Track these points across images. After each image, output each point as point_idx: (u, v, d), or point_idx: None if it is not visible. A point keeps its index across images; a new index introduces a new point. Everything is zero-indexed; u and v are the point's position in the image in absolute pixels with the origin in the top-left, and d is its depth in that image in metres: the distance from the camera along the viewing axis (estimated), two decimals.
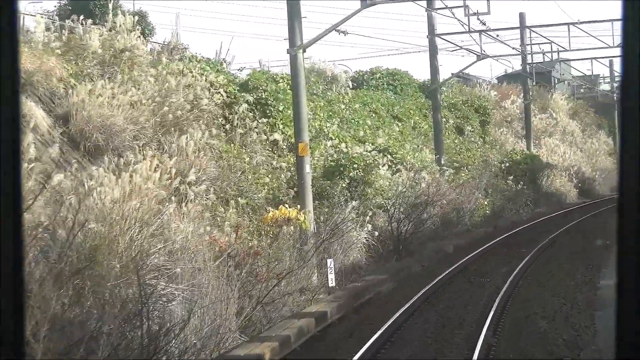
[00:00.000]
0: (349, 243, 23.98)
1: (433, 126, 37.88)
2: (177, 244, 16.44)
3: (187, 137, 21.20)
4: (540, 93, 65.60)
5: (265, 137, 26.76)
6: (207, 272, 16.05)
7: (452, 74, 46.92)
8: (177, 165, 19.88)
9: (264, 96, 27.63)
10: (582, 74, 55.69)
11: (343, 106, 37.46)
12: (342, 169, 26.24)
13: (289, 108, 29.22)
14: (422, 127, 43.08)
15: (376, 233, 25.40)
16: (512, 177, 43.99)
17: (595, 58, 51.57)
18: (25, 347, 3.01)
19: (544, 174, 47.24)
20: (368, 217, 25.41)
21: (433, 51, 36.55)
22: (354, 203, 25.26)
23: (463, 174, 37.79)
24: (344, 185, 25.96)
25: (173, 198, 17.82)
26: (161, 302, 14.64)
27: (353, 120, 36.46)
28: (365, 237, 25.08)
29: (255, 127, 26.63)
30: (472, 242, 30.03)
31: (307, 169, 22.64)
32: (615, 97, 69.83)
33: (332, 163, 26.59)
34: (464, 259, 24.86)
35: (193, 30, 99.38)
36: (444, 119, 46.70)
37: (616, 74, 66.62)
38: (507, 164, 45.40)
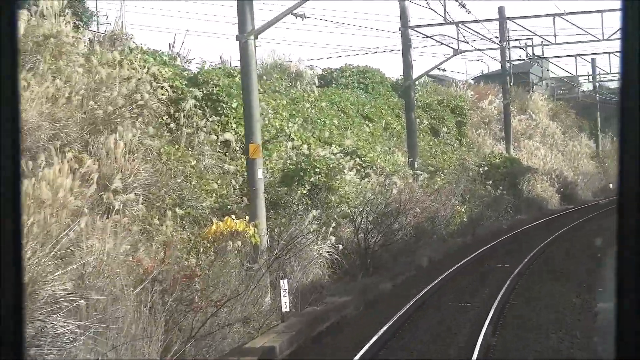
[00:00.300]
0: (308, 258, 21.09)
1: (406, 126, 35.04)
2: (90, 266, 13.49)
3: (115, 137, 18.18)
4: (519, 93, 63.12)
5: (215, 137, 23.79)
6: (125, 301, 13.11)
7: (428, 76, 44.05)
8: (101, 169, 16.90)
9: (215, 91, 24.65)
10: (566, 73, 53.08)
11: (308, 105, 34.59)
12: (302, 173, 23.32)
13: None
14: (395, 128, 40.28)
15: (340, 246, 22.50)
16: (490, 181, 41.31)
17: (579, 55, 48.89)
18: (25, 347, 2.87)
19: (525, 179, 44.60)
20: (331, 228, 22.52)
21: (406, 45, 33.72)
22: (314, 212, 22.37)
23: (438, 179, 35.02)
24: (303, 192, 23.06)
25: (87, 210, 14.80)
26: (59, 344, 11.70)
27: (319, 120, 33.58)
28: (327, 251, 22.19)
29: (204, 126, 23.66)
30: (449, 254, 27.25)
31: (260, 173, 19.71)
32: (597, 98, 67.48)
33: (291, 167, 23.66)
34: (441, 276, 21.99)
35: (158, 30, 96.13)
36: (417, 120, 43.94)
37: (600, 72, 64.20)
38: (486, 168, 42.71)
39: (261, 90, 31.30)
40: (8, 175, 2.74)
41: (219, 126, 24.13)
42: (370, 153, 32.55)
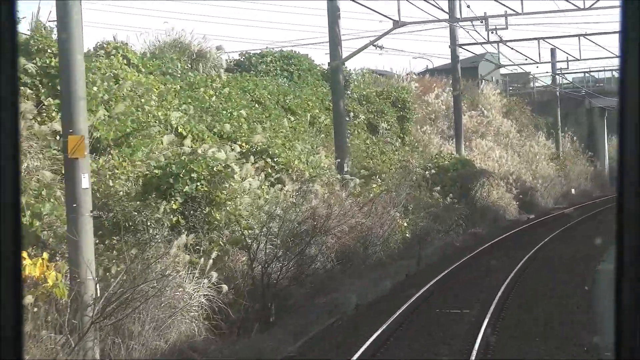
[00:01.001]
0: (171, 309, 14.21)
1: (333, 118, 28.18)
2: None
3: None
4: (469, 87, 56.90)
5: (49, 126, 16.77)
6: None
7: (368, 70, 37.37)
8: None
9: (53, 63, 17.63)
10: (528, 61, 46.79)
11: (212, 92, 27.72)
12: (172, 180, 16.38)
13: (103, 81, 19.31)
14: (323, 123, 33.53)
15: (224, 287, 15.62)
16: (439, 187, 34.76)
17: (542, 38, 42.49)
18: (25, 347, 1.79)
19: (479, 184, 38.14)
20: (211, 260, 15.65)
21: (333, 14, 26.91)
22: (185, 237, 15.50)
23: (375, 185, 28.30)
24: (174, 206, 16.14)
25: None
26: None
27: (225, 112, 26.73)
28: (207, 295, 15.31)
29: (31, 112, 16.65)
30: (387, 290, 20.47)
31: (85, 182, 12.75)
32: (557, 92, 61.57)
33: (156, 172, 16.66)
34: (373, 336, 14.97)
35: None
36: (352, 114, 37.28)
37: (568, 58, 58.20)
38: (433, 171, 36.16)
39: (144, 70, 24.47)
40: (8, 175, 2.78)
41: (58, 111, 17.12)
42: (286, 153, 25.79)
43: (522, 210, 43.28)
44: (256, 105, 30.80)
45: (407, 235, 28.27)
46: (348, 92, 39.53)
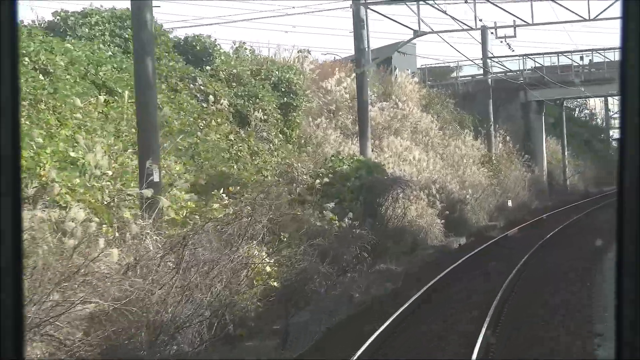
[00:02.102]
0: None
1: (135, 93, 16.95)
2: None
3: None
4: (381, 75, 46.83)
5: None
6: None
7: (240, 43, 26.81)
8: None
9: None
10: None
11: None
12: None
13: None
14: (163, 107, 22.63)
15: None
16: (333, 203, 24.15)
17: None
18: (25, 347, 3.05)
19: (391, 196, 27.68)
20: None
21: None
22: None
23: (216, 205, 17.44)
24: None
25: None
26: None
27: None
28: None
29: None
30: None
31: None
32: (490, 81, 51.69)
33: None
34: None
35: None
36: (211, 97, 26.51)
37: (490, 46, 48.55)
38: (326, 180, 25.53)
39: None
40: (8, 175, 2.81)
41: None
42: (67, 152, 14.88)
43: (448, 232, 32.97)
44: (40, 77, 19.97)
45: (275, 284, 17.59)
46: (209, 67, 28.72)
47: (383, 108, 40.97)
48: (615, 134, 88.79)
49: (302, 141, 30.95)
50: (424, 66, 59.93)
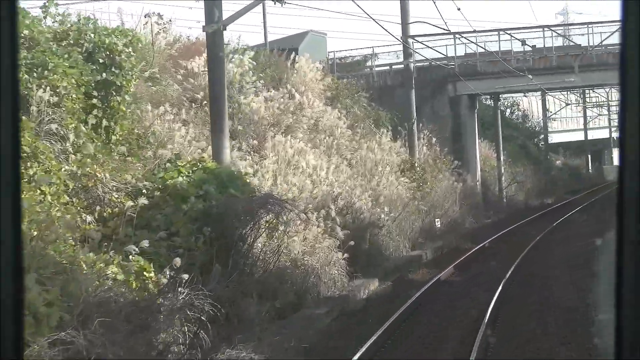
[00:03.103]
0: None
1: None
2: None
3: None
4: (274, 59, 37.21)
5: None
6: None
7: None
8: None
9: None
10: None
11: None
12: None
13: None
14: None
15: None
16: (147, 241, 14.07)
17: None
18: (24, 347, 3.24)
19: (258, 225, 17.67)
20: None
21: None
22: None
23: None
24: None
25: None
26: None
27: None
28: None
29: None
30: None
31: None
32: (413, 68, 42.17)
33: None
34: None
35: None
36: None
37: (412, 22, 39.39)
38: (144, 202, 15.46)
39: None
40: (8, 174, 2.82)
41: None
42: None
43: (354, 271, 23.07)
44: None
45: None
46: None
47: (271, 98, 30.98)
48: (554, 137, 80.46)
49: (135, 138, 20.76)
50: (332, 52, 50.20)
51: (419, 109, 45.27)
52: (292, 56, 38.06)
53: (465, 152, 45.62)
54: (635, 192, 2.68)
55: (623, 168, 2.72)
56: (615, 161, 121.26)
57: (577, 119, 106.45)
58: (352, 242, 22.91)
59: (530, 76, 41.72)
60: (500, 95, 51.67)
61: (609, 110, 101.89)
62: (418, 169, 36.62)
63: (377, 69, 48.23)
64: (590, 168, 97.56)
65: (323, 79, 38.17)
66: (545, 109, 72.63)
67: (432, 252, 29.43)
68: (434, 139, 43.74)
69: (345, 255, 22.64)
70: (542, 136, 77.48)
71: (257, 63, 34.93)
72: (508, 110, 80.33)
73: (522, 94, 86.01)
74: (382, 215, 29.15)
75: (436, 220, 34.28)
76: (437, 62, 42.94)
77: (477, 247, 29.06)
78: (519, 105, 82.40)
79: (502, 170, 52.08)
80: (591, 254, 25.78)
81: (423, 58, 46.33)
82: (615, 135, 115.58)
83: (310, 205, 23.31)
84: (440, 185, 40.08)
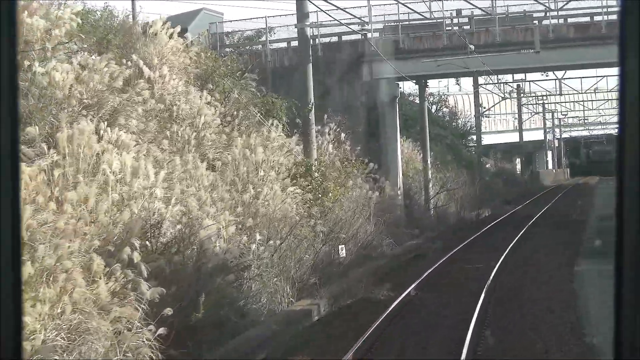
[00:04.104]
0: None
1: None
2: None
3: None
4: (126, 26, 27.45)
5: None
6: None
7: None
8: None
9: None
10: None
11: None
12: None
13: None
14: None
15: None
16: None
17: None
18: (24, 347, 3.17)
19: None
20: None
21: None
22: None
23: None
24: None
25: None
26: None
27: None
28: None
29: None
30: None
31: None
32: (319, 44, 32.07)
33: None
34: None
35: None
36: None
37: None
38: None
39: None
40: (7, 174, 2.83)
41: None
42: None
43: None
44: None
45: None
46: None
47: (87, 66, 20.57)
48: (484, 139, 71.40)
49: None
50: (215, 24, 39.89)
51: (326, 96, 35.40)
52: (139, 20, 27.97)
53: (383, 152, 35.72)
54: (635, 192, 2.70)
55: (623, 168, 2.72)
56: (550, 165, 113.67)
57: (507, 120, 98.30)
58: (169, 310, 12.65)
59: (470, 47, 31.89)
60: (427, 83, 41.72)
61: (543, 108, 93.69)
62: (316, 174, 26.49)
63: (272, 46, 38.06)
64: (522, 172, 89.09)
65: (187, 50, 27.89)
66: (478, 104, 63.33)
67: (328, 303, 19.33)
68: (343, 135, 33.82)
69: (162, 329, 12.45)
70: (475, 136, 68.16)
71: (94, 26, 25.29)
72: (434, 107, 71.33)
73: (455, 91, 77.08)
74: (253, 247, 19.06)
75: (340, 247, 24.22)
76: (349, 29, 32.93)
77: (398, 300, 18.85)
78: (446, 101, 73.33)
79: (430, 176, 42.38)
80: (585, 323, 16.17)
81: (330, 33, 36.44)
82: (550, 136, 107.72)
83: (102, 238, 13.10)
84: (349, 195, 30.16)
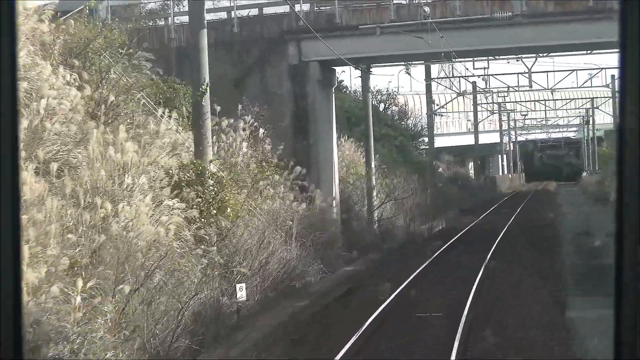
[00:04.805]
0: None
1: None
2: None
3: None
4: None
5: None
6: None
7: None
8: None
9: None
10: None
11: None
12: None
13: None
14: None
15: None
16: None
17: None
18: (24, 347, 3.02)
19: None
20: None
21: None
22: None
23: None
24: None
25: None
26: None
27: None
28: None
29: None
30: None
31: None
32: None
33: None
34: None
35: None
36: None
37: None
38: None
39: None
40: (7, 172, 2.83)
41: None
42: None
43: None
44: None
45: None
46: None
47: None
48: (437, 140, 64.70)
49: None
50: None
51: (242, 83, 28.34)
52: None
53: (314, 153, 28.54)
54: (635, 192, 2.69)
55: (623, 168, 2.72)
56: (505, 169, 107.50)
57: (460, 122, 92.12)
58: None
59: (425, 10, 24.82)
60: (371, 69, 34.44)
61: (500, 108, 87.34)
62: (210, 181, 19.17)
63: (178, 19, 30.66)
64: (476, 177, 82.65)
65: (41, 13, 20.50)
66: (430, 99, 56.52)
67: None
68: (263, 131, 26.65)
69: None
70: (427, 138, 61.36)
71: None
72: (382, 105, 64.60)
73: (406, 90, 70.32)
74: (77, 300, 11.82)
75: (238, 287, 16.91)
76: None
77: None
78: (395, 98, 66.52)
79: (374, 182, 35.37)
80: None
81: (249, 4, 29.47)
82: (506, 139, 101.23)
83: None
84: (267, 209, 23.05)
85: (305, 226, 25.03)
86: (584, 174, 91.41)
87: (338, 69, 33.14)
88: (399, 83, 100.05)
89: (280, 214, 23.74)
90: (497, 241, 30.90)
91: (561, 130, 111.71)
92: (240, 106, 26.54)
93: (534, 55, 37.39)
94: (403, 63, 37.10)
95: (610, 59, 73.09)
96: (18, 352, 2.86)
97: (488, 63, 45.37)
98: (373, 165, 36.07)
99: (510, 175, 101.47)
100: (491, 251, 27.73)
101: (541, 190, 78.28)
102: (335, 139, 30.39)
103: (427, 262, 25.87)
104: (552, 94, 74.92)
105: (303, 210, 25.50)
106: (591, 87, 62.53)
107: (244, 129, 26.28)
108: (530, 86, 46.85)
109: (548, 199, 60.91)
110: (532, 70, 44.82)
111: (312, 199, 26.54)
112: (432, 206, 43.08)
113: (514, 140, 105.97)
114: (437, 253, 28.25)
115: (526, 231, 35.88)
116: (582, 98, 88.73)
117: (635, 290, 2.69)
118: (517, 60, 40.86)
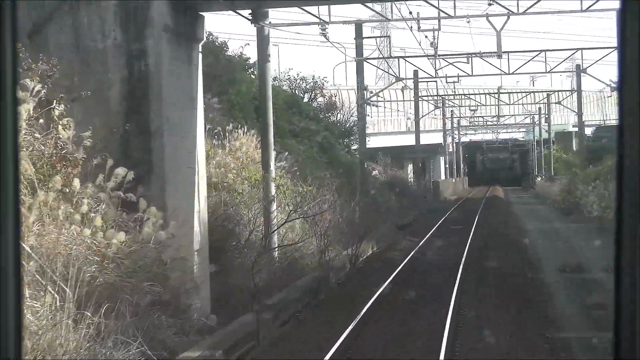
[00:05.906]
0: None
1: None
2: None
3: None
4: None
5: None
6: None
7: None
8: None
9: None
10: None
11: None
12: None
13: None
14: None
15: None
16: None
17: None
18: (24, 346, 3.07)
19: None
20: None
21: None
22: None
23: None
24: None
25: None
26: None
27: None
28: None
29: None
30: None
31: None
32: None
33: None
34: None
35: None
36: None
37: None
38: None
39: None
40: (8, 174, 2.81)
41: None
42: None
43: None
44: None
45: None
46: None
47: None
48: (372, 140, 54.27)
49: None
50: None
51: (39, 32, 17.30)
52: None
53: (158, 147, 17.33)
54: (634, 192, 2.67)
55: (623, 168, 2.69)
56: (446, 173, 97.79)
57: (399, 120, 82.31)
58: None
59: None
60: (268, 15, 23.13)
61: (443, 105, 77.31)
62: None
63: None
64: (416, 182, 72.33)
65: None
66: (363, 96, 45.80)
67: None
68: (61, 106, 15.53)
69: None
70: (358, 136, 50.73)
71: None
72: (307, 96, 54.37)
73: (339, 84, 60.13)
74: None
75: None
76: None
77: None
78: (322, 88, 56.10)
79: (274, 192, 24.53)
80: None
81: None
82: (450, 140, 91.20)
83: None
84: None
85: (123, 273, 14.10)
86: (538, 179, 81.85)
87: (213, 17, 22.02)
88: (334, 80, 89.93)
89: (60, 254, 12.80)
90: (455, 289, 19.63)
91: (508, 131, 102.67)
92: (25, 65, 15.51)
93: (506, 12, 26.68)
94: (314, 4, 25.64)
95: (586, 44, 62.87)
96: (18, 352, 2.83)
97: (439, 22, 33.52)
98: (273, 168, 25.26)
99: (453, 180, 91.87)
100: (449, 312, 16.64)
101: (490, 197, 68.36)
102: (202, 127, 19.30)
103: (340, 339, 14.80)
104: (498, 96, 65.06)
105: (125, 246, 14.63)
106: (561, 72, 52.31)
107: (28, 102, 15.24)
108: (500, 56, 35.96)
109: (505, 211, 50.88)
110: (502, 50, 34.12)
111: (140, 220, 15.47)
112: (361, 222, 32.29)
113: (457, 141, 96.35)
114: (354, 321, 17.00)
115: (493, 264, 25.02)
116: (540, 91, 78.84)
117: (635, 290, 2.64)
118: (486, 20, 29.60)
